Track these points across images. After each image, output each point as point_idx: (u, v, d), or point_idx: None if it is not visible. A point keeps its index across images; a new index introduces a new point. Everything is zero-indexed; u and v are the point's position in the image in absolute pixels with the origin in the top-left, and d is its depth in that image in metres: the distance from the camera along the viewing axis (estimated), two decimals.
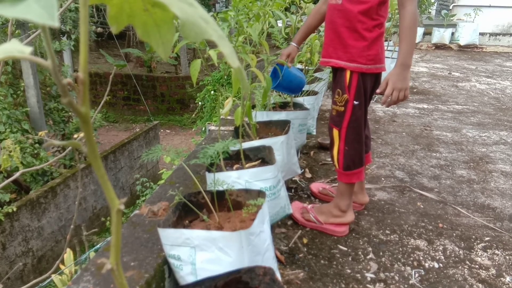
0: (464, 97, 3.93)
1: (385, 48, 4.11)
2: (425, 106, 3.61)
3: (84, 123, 0.34)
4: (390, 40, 4.62)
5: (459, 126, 3.08)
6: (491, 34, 7.31)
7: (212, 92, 6.73)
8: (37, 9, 0.24)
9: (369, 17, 1.39)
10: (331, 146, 1.59)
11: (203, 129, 6.14)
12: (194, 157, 1.94)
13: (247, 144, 1.71)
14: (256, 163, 1.65)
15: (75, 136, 2.42)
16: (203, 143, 2.18)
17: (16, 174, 1.27)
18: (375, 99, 3.61)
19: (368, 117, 3.24)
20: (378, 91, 1.44)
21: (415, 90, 4.17)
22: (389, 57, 3.67)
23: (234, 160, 1.62)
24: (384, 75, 1.49)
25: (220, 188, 1.17)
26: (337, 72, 1.52)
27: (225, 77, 1.56)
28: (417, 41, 6.97)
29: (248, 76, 1.69)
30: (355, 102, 1.46)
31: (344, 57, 1.45)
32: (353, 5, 1.40)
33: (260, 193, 1.17)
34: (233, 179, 1.35)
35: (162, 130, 10.65)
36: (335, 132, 1.54)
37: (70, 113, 5.95)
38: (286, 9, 2.39)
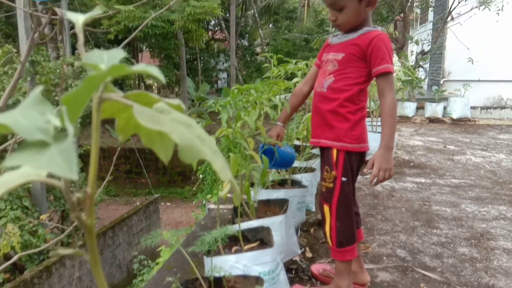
0: (461, 171, 3.99)
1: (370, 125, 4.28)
2: (423, 180, 3.66)
3: (89, 234, 0.37)
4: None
5: (457, 200, 3.09)
6: (482, 108, 7.61)
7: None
8: (60, 162, 0.29)
9: (351, 102, 1.53)
10: (323, 223, 1.62)
11: (203, 202, 6.12)
12: (194, 237, 1.94)
13: (245, 225, 1.72)
14: (254, 244, 1.65)
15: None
16: (202, 223, 2.19)
17: (14, 258, 1.28)
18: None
19: (366, 192, 3.27)
20: (365, 170, 1.52)
21: (411, 164, 4.24)
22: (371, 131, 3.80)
23: (232, 241, 1.63)
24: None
25: (218, 275, 1.18)
26: (324, 151, 1.62)
27: (226, 150, 1.62)
28: (410, 115, 7.22)
29: (247, 158, 1.76)
30: (343, 179, 1.54)
31: (330, 137, 1.57)
32: (336, 93, 1.54)
33: (258, 280, 1.17)
34: (231, 263, 1.35)
35: (162, 203, 10.58)
36: (326, 208, 1.59)
37: None
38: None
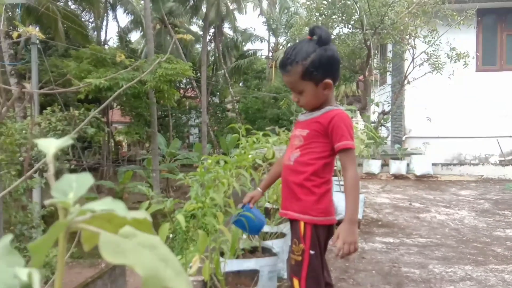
0: (427, 229, 4.10)
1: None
2: (391, 240, 3.72)
3: None
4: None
5: (425, 261, 3.15)
6: (443, 164, 7.99)
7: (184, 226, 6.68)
8: None
9: (316, 176, 1.60)
10: None
11: None
12: None
13: None
14: None
15: None
16: None
17: None
18: None
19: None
20: (331, 243, 1.55)
21: (379, 223, 4.33)
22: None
23: None
24: None
25: None
26: (293, 223, 1.66)
27: (195, 227, 1.61)
28: (376, 172, 7.47)
29: (216, 231, 1.76)
30: (311, 252, 1.56)
31: (298, 209, 1.61)
32: (303, 167, 1.61)
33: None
34: None
35: None
36: (296, 282, 1.59)
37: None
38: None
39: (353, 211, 1.51)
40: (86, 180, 0.47)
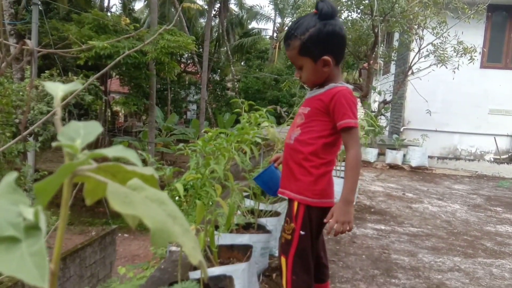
0: (418, 219, 4.13)
1: (344, 168, 4.41)
2: (383, 227, 3.75)
3: None
4: None
5: (415, 250, 3.18)
6: (439, 158, 8.02)
7: (177, 198, 6.70)
8: (31, 268, 0.26)
9: (316, 156, 1.54)
10: (281, 275, 1.61)
11: None
12: (151, 283, 1.88)
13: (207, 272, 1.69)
14: None
15: None
16: (162, 267, 2.12)
17: None
18: None
19: (329, 237, 3.30)
20: (325, 220, 1.53)
21: (372, 210, 4.36)
22: None
23: None
24: None
25: None
26: (289, 201, 1.64)
27: (194, 197, 1.60)
28: (372, 161, 7.50)
29: (213, 204, 1.75)
30: (301, 232, 1.54)
31: (294, 189, 1.58)
32: (302, 146, 1.57)
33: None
34: None
35: (120, 234, 10.14)
36: (283, 260, 1.58)
37: None
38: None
39: (349, 190, 1.48)
40: (94, 127, 0.44)
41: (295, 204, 1.56)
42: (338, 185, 4.20)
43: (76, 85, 0.51)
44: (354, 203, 4.21)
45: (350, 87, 1.59)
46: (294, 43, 1.52)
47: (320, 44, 1.50)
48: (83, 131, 0.43)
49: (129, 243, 10.58)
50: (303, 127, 1.60)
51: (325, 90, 1.56)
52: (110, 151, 0.41)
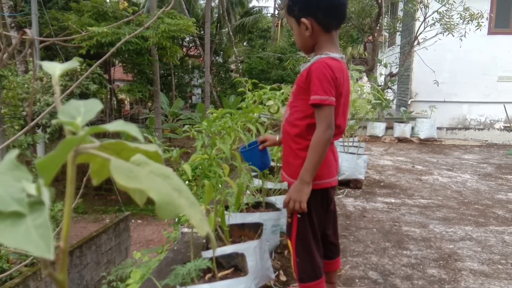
0: (428, 191, 4.12)
1: (352, 144, 4.40)
2: (393, 200, 3.75)
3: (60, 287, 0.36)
4: (355, 136, 4.94)
5: (426, 221, 3.19)
6: (447, 128, 7.94)
7: (187, 182, 6.76)
8: (36, 239, 0.27)
9: (302, 138, 1.48)
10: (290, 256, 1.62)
11: (176, 220, 6.03)
12: (166, 264, 1.91)
13: (219, 251, 1.71)
14: (229, 271, 1.64)
15: None
16: (175, 248, 2.15)
17: None
18: (345, 193, 3.73)
19: (339, 212, 3.31)
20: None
21: (382, 184, 4.35)
22: (354, 153, 3.89)
23: (206, 268, 1.61)
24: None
25: None
26: (288, 184, 1.62)
27: (202, 177, 1.61)
28: (380, 135, 7.43)
29: (222, 183, 1.76)
30: (298, 215, 1.52)
31: (288, 172, 1.57)
32: (290, 127, 1.52)
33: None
34: None
35: (133, 221, 10.32)
36: (288, 242, 1.60)
37: None
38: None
39: (305, 170, 1.40)
40: (94, 105, 0.44)
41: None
42: (346, 161, 4.18)
43: (73, 62, 0.50)
44: (363, 177, 4.18)
45: (338, 56, 1.44)
46: (285, 3, 1.50)
47: (298, 3, 1.42)
48: (84, 109, 0.43)
49: (142, 229, 10.76)
50: (291, 106, 1.54)
51: (310, 64, 1.44)
52: (111, 126, 0.40)
